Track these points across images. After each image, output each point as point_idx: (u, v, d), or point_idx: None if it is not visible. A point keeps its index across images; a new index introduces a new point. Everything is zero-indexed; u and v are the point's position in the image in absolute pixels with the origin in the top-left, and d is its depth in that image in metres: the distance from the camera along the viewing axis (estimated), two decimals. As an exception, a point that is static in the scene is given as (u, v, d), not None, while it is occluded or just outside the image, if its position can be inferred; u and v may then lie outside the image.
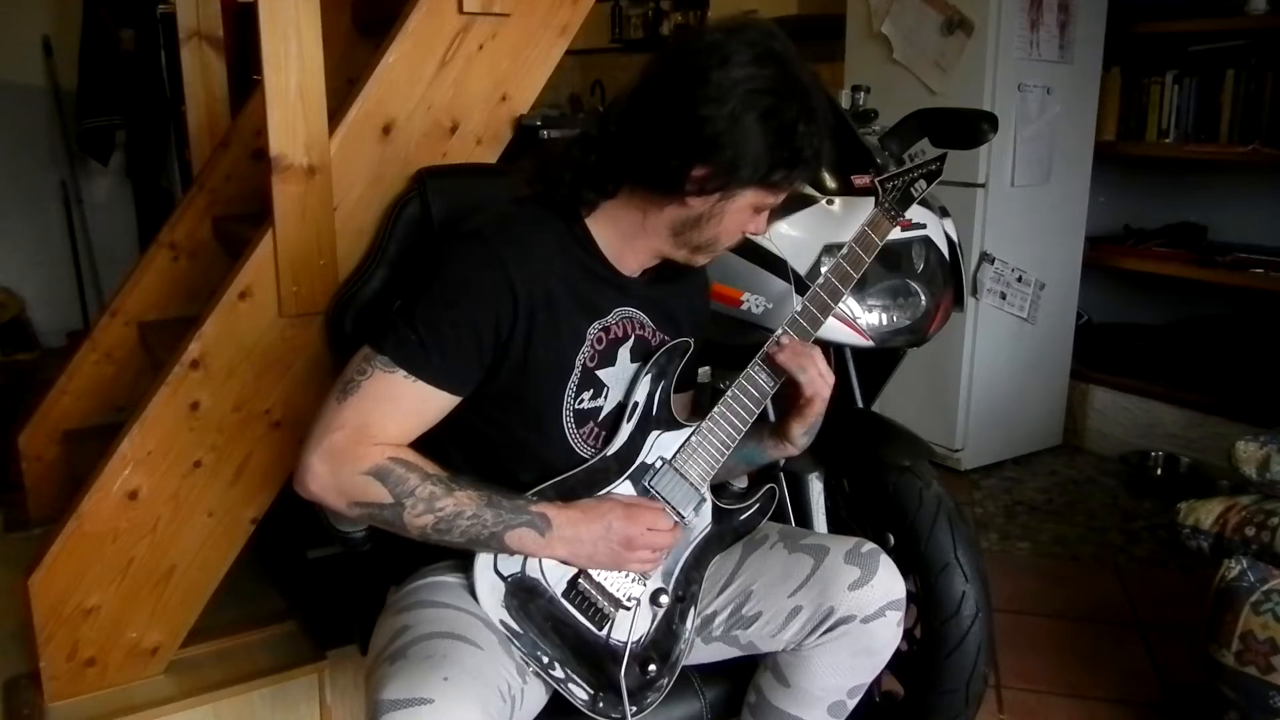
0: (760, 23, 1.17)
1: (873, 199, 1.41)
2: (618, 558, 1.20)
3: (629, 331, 1.27)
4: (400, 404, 1.14)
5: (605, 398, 1.26)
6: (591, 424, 1.26)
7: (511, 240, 1.18)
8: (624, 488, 1.25)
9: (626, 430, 1.26)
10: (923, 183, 1.43)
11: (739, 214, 1.20)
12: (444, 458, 1.17)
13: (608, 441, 1.26)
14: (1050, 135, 3.13)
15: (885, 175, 1.40)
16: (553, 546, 1.17)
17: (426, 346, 1.13)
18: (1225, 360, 3.17)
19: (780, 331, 1.27)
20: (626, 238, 1.23)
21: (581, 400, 1.24)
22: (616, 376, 1.27)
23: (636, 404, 1.26)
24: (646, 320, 1.29)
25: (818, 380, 1.26)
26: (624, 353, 1.27)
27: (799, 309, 1.28)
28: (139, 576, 1.61)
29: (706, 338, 1.39)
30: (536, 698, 1.20)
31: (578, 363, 1.22)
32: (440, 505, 1.12)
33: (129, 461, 1.54)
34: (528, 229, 1.20)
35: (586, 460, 1.25)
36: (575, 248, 1.22)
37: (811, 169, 1.19)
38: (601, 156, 1.20)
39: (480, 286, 1.15)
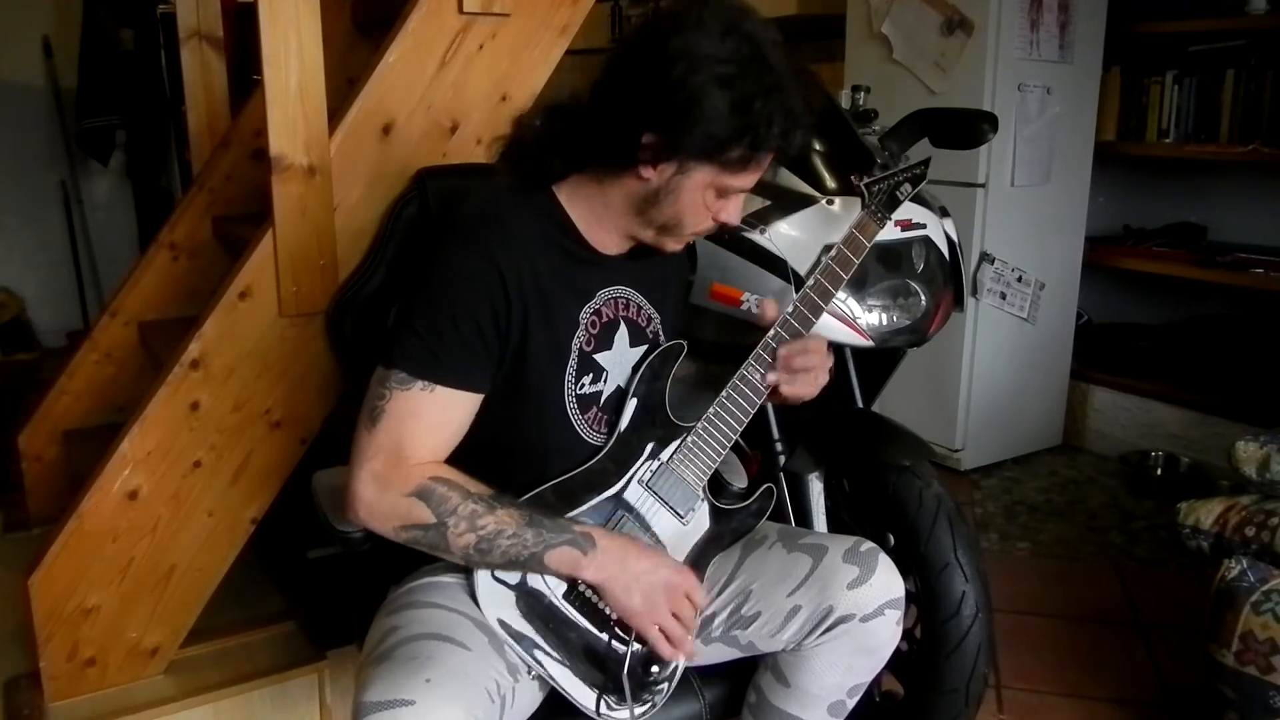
0: (734, 1, 1.13)
1: (871, 200, 1.41)
2: (652, 601, 1.16)
3: (619, 313, 1.28)
4: (427, 417, 1.14)
5: (605, 382, 1.26)
6: (594, 409, 1.26)
7: (491, 226, 1.18)
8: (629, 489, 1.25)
9: (625, 425, 1.25)
10: (908, 186, 1.42)
11: (695, 193, 1.15)
12: (454, 463, 1.17)
13: (614, 427, 1.26)
14: (1050, 135, 3.12)
15: (870, 179, 1.40)
16: (592, 566, 1.15)
17: (434, 351, 1.13)
18: (1225, 360, 3.16)
19: (772, 334, 1.28)
20: (596, 215, 1.23)
21: (582, 385, 1.24)
22: (614, 361, 1.27)
23: (633, 406, 1.26)
24: (633, 295, 1.29)
25: (814, 385, 1.28)
26: (620, 337, 1.28)
27: (790, 310, 1.28)
28: (139, 576, 1.61)
29: (707, 338, 1.39)
30: (529, 696, 1.19)
31: (574, 347, 1.23)
32: (482, 524, 1.12)
33: (129, 461, 1.55)
34: (505, 213, 1.20)
35: (597, 447, 1.25)
36: (554, 230, 1.22)
37: (774, 146, 1.14)
38: (568, 126, 1.19)
39: (469, 278, 1.15)
